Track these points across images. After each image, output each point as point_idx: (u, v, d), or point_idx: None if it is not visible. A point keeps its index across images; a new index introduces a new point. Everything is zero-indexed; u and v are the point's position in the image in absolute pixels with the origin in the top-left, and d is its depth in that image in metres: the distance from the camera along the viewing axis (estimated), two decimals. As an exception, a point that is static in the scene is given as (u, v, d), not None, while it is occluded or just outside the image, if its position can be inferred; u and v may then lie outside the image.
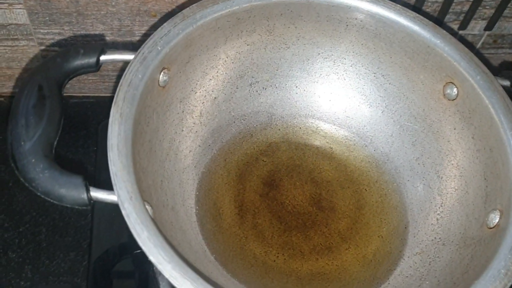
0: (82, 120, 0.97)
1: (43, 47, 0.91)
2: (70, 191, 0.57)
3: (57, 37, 0.89)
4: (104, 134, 0.91)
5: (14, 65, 0.93)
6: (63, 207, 0.85)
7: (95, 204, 0.82)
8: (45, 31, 0.88)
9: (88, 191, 0.57)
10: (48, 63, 0.63)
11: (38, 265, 0.81)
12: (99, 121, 0.96)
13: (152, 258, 0.52)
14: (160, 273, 0.73)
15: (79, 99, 1.00)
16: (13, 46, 0.90)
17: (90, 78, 0.97)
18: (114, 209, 0.82)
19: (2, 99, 0.99)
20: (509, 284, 0.55)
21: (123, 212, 0.54)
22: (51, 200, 0.58)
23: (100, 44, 0.66)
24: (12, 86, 0.97)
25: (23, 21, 0.86)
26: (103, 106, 0.99)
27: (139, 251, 0.78)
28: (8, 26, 0.87)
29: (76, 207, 0.58)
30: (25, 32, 0.88)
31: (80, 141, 0.93)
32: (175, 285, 0.52)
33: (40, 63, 0.64)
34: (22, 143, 0.58)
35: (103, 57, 0.66)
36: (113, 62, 0.68)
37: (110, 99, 0.99)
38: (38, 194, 0.58)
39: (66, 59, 0.64)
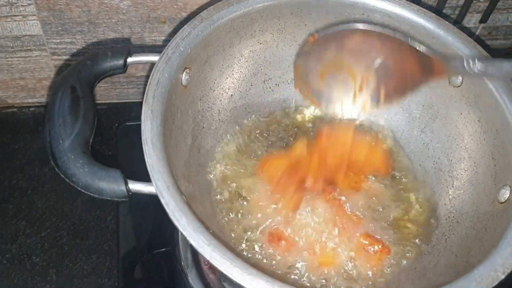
0: (95, 127, 0.98)
1: (55, 57, 0.93)
2: (110, 184, 0.60)
3: (70, 46, 0.92)
4: (122, 135, 0.95)
5: (27, 75, 0.96)
6: (82, 212, 0.89)
7: (119, 205, 0.86)
8: (58, 40, 0.91)
9: (126, 183, 0.60)
10: (79, 66, 0.67)
11: (62, 268, 0.83)
12: (112, 127, 0.98)
13: (192, 242, 0.55)
14: (188, 266, 0.77)
15: (92, 106, 1.02)
16: (26, 57, 0.93)
17: (102, 85, 1.00)
18: (138, 207, 0.87)
19: (15, 109, 1.01)
20: (525, 250, 0.58)
21: (162, 200, 0.57)
22: (91, 194, 0.61)
23: (127, 47, 0.69)
24: (24, 96, 1.00)
25: (36, 32, 0.89)
26: (115, 112, 1.02)
27: (161, 250, 0.82)
28: (22, 38, 0.89)
29: (116, 199, 0.61)
30: (38, 43, 0.91)
31: (96, 147, 0.94)
32: (215, 265, 0.54)
33: (71, 66, 0.67)
34: (61, 141, 0.61)
35: (130, 59, 0.69)
36: (139, 63, 0.71)
37: (122, 105, 1.02)
38: (79, 188, 0.61)
39: (95, 62, 0.67)
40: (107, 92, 1.02)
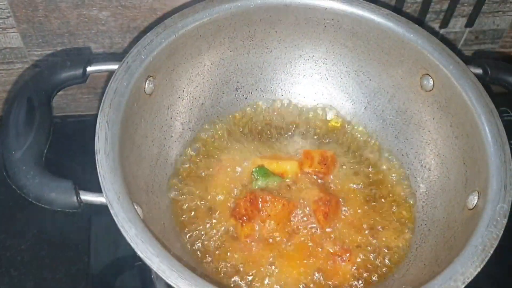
0: (79, 139, 0.96)
1: (38, 69, 0.92)
2: (61, 195, 0.59)
3: (51, 58, 0.91)
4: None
5: (11, 88, 0.95)
6: (63, 224, 0.87)
7: (92, 220, 0.85)
8: (39, 52, 0.90)
9: (77, 194, 0.59)
10: (37, 76, 0.66)
11: (40, 281, 0.82)
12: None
13: (140, 253, 0.54)
14: (158, 278, 0.76)
15: (75, 118, 1.01)
16: (9, 69, 0.92)
17: (86, 96, 0.99)
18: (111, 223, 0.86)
19: (0, 123, 1.01)
20: (486, 259, 0.56)
21: (112, 211, 0.56)
22: (43, 205, 0.60)
23: (86, 56, 0.68)
24: (8, 109, 1.00)
25: (17, 45, 0.88)
26: (101, 123, 1.00)
27: (139, 263, 0.81)
28: (3, 50, 0.89)
29: (67, 210, 0.60)
30: (19, 55, 0.90)
31: (78, 159, 0.93)
32: (163, 277, 0.53)
33: (29, 77, 0.67)
34: (13, 152, 0.60)
35: (89, 68, 0.68)
36: (100, 72, 0.70)
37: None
38: (30, 199, 0.60)
39: (53, 72, 0.67)
40: (91, 104, 1.01)
